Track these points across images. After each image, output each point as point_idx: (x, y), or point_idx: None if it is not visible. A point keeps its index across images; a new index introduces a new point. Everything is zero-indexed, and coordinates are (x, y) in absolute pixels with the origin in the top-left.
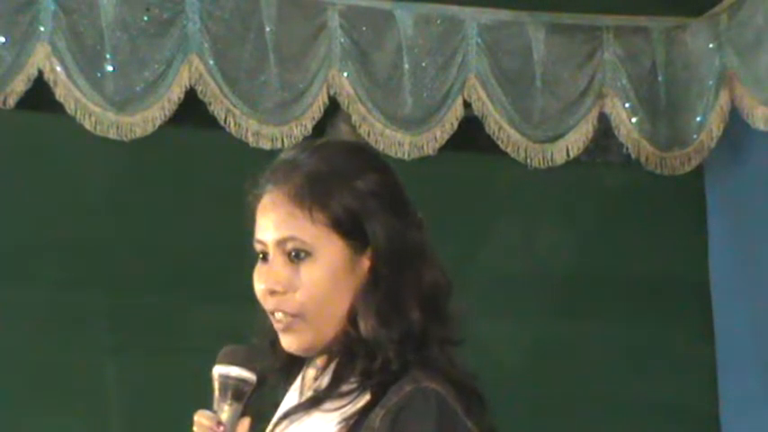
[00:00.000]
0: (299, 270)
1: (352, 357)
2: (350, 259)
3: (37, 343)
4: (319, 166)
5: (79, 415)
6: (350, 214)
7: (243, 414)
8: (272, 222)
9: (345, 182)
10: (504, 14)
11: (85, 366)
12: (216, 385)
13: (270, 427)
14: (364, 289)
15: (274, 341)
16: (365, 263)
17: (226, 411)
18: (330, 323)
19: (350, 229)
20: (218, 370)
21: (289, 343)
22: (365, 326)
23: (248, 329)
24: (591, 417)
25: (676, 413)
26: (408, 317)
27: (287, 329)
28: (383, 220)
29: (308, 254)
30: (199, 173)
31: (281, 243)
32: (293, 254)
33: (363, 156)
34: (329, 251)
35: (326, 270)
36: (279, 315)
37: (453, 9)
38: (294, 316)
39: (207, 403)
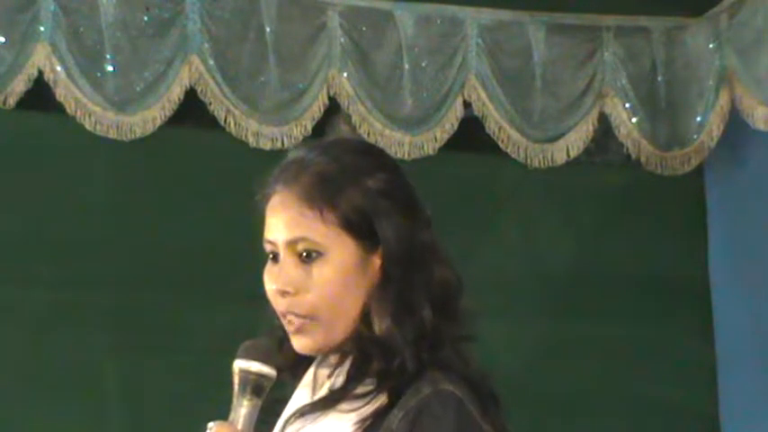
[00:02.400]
0: (311, 271)
1: (367, 357)
2: (361, 259)
3: (37, 343)
4: (329, 166)
5: (79, 414)
6: (360, 214)
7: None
8: (283, 223)
9: (356, 181)
10: (504, 14)
11: (85, 366)
12: (236, 380)
13: (281, 423)
14: (377, 289)
15: (282, 340)
16: (376, 262)
17: (245, 406)
18: (342, 323)
19: (361, 229)
20: (239, 364)
21: (301, 344)
22: (380, 326)
23: (248, 329)
24: (591, 416)
25: (676, 413)
26: (421, 316)
27: (299, 331)
28: (393, 220)
29: (320, 254)
30: (199, 173)
31: (291, 243)
32: (304, 254)
33: (373, 155)
34: (340, 251)
35: (338, 270)
36: (290, 317)
37: (453, 9)
38: (306, 317)
39: (207, 403)
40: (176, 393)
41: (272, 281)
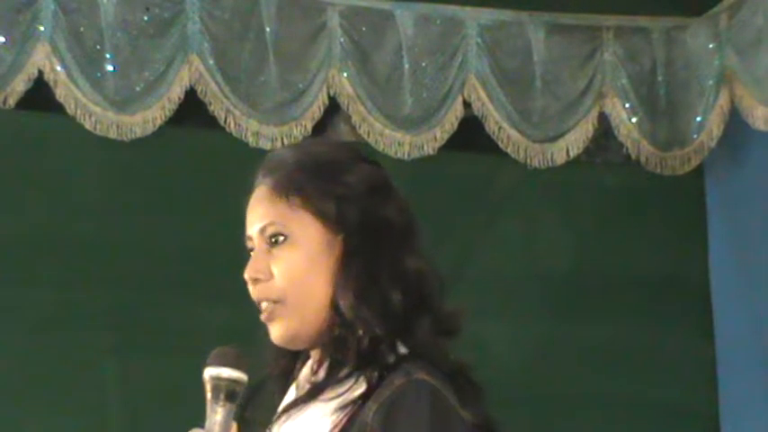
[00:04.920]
0: (278, 255)
1: (343, 342)
2: (328, 241)
3: (37, 343)
4: (300, 158)
5: (79, 415)
6: (326, 197)
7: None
8: (257, 215)
9: (324, 169)
10: (504, 14)
11: (85, 366)
12: (208, 387)
13: (271, 425)
14: (341, 269)
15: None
16: (342, 244)
17: (219, 413)
18: (313, 307)
19: (327, 212)
20: (210, 372)
21: (274, 332)
22: (344, 305)
23: (248, 329)
24: (591, 417)
25: (676, 413)
26: (387, 294)
27: (270, 318)
28: (359, 202)
29: (286, 237)
30: (199, 173)
31: (262, 231)
32: (273, 239)
33: (347, 149)
34: (306, 234)
35: (303, 252)
36: (263, 305)
37: (453, 9)
38: (275, 302)
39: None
40: (176, 393)
41: (246, 271)
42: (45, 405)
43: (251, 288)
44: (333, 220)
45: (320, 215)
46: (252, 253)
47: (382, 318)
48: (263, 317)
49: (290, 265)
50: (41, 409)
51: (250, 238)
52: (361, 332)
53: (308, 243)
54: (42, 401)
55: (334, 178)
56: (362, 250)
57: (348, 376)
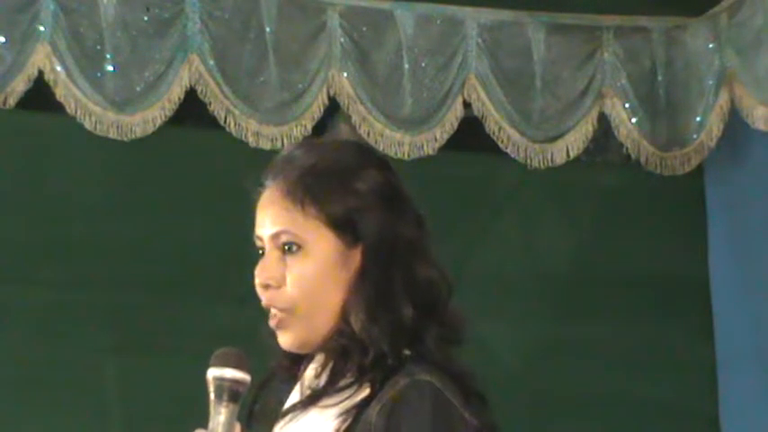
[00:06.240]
0: (291, 264)
1: (348, 354)
2: (341, 253)
3: (37, 343)
4: (314, 162)
5: (79, 415)
6: (341, 208)
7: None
8: (268, 218)
9: (339, 177)
10: (504, 14)
11: (85, 366)
12: (211, 388)
13: (272, 427)
14: (355, 284)
15: None
16: (357, 257)
17: (223, 413)
18: (323, 318)
19: (341, 224)
20: (213, 373)
21: (283, 340)
22: (356, 321)
23: (249, 329)
24: (591, 417)
25: (676, 413)
26: (399, 312)
27: (279, 325)
28: (374, 215)
29: (300, 247)
30: (199, 173)
31: (275, 237)
32: (286, 247)
33: (359, 152)
34: (320, 245)
35: (317, 263)
36: (273, 311)
37: (453, 9)
38: (285, 311)
39: (206, 404)
40: (176, 393)
41: (257, 275)
42: (45, 405)
43: (260, 293)
44: (348, 234)
45: (335, 228)
46: (263, 256)
47: (391, 336)
48: (271, 322)
49: (303, 276)
50: (41, 409)
51: (260, 239)
52: (368, 348)
53: (323, 255)
54: (42, 401)
55: (348, 187)
56: (376, 265)
57: (350, 384)
